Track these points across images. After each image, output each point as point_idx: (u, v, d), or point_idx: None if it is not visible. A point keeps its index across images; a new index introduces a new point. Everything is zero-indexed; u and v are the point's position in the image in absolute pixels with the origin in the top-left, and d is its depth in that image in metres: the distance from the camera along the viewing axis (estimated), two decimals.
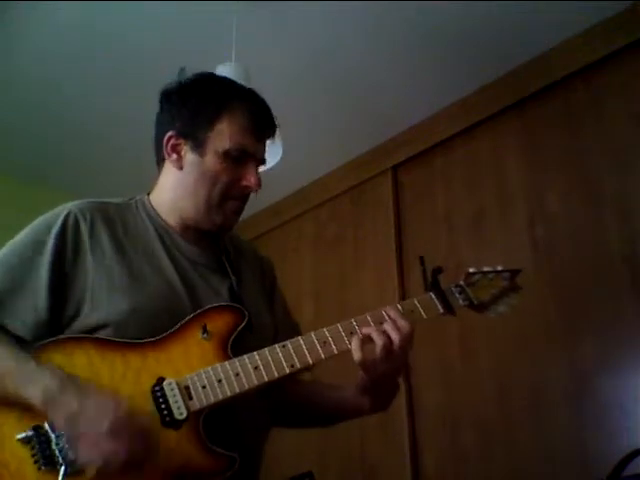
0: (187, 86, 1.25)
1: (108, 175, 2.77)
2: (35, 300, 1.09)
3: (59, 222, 1.14)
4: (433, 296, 1.24)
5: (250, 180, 1.21)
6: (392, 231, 2.55)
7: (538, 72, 2.19)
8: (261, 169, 1.27)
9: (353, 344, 1.12)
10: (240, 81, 1.35)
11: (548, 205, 2.10)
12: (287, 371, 1.10)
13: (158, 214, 1.24)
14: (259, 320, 1.22)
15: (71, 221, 1.15)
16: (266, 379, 1.09)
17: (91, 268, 1.12)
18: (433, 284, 1.27)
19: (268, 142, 1.27)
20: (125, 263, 1.15)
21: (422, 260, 1.30)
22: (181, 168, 1.22)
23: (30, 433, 0.99)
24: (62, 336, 1.09)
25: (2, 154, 2.71)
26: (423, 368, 2.25)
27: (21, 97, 2.42)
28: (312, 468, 1.22)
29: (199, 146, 1.20)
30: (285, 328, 1.32)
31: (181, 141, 1.22)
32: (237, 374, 1.08)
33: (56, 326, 1.10)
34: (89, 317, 1.10)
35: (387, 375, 1.16)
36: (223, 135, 1.20)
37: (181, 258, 1.22)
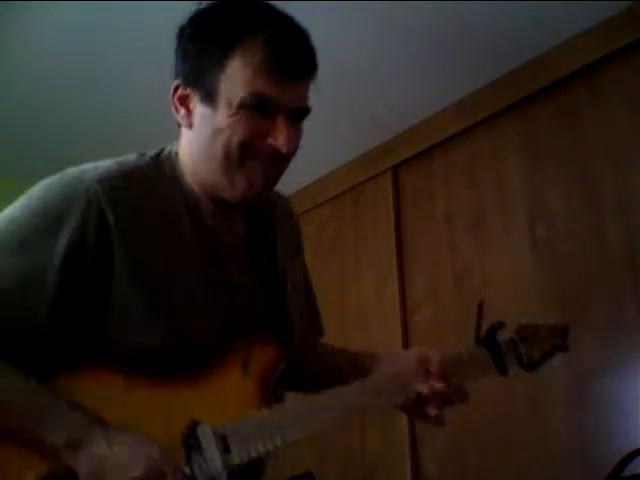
0: (198, 17, 0.98)
1: None
2: (35, 316, 0.89)
3: (78, 209, 0.91)
4: (487, 353, 1.11)
5: (276, 137, 0.94)
6: (392, 231, 2.55)
7: (538, 72, 2.19)
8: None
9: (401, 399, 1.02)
10: None
11: (548, 205, 2.10)
12: (331, 424, 0.98)
13: (186, 183, 1.01)
14: (303, 327, 1.09)
15: (94, 211, 0.91)
16: (311, 433, 0.95)
17: (117, 279, 0.92)
18: (488, 339, 1.12)
19: (307, 85, 0.98)
20: (155, 281, 0.94)
21: (481, 307, 1.12)
22: (191, 126, 0.98)
23: None
24: (85, 362, 0.91)
25: (2, 154, 2.71)
26: None
27: (21, 97, 2.42)
28: (312, 468, 1.22)
29: (209, 95, 0.94)
30: (308, 330, 1.18)
31: (189, 91, 0.97)
32: (280, 426, 0.92)
33: (61, 342, 0.91)
34: (111, 340, 0.92)
35: None
36: (236, 79, 0.92)
37: (216, 254, 1.01)
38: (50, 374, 0.89)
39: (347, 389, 0.99)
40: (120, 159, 1.02)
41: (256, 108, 0.93)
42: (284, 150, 0.95)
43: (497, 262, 2.18)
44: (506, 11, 2.00)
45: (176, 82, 0.99)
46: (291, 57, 0.94)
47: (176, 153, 1.04)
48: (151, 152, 1.06)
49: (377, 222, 2.64)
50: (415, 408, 1.08)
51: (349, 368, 1.18)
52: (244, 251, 1.07)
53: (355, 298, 2.61)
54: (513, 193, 2.21)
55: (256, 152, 0.95)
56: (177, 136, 1.06)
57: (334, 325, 2.59)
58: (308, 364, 1.16)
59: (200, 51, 0.96)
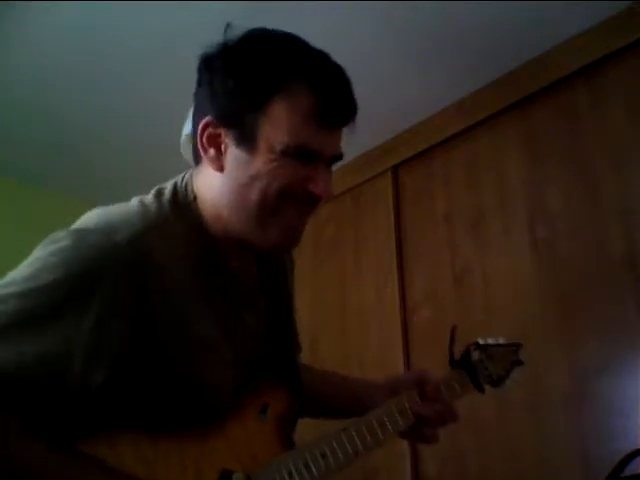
0: (232, 51, 0.90)
1: (109, 176, 2.77)
2: (61, 380, 0.79)
3: (110, 277, 0.81)
4: (464, 373, 1.20)
5: (318, 185, 0.90)
6: (392, 231, 2.55)
7: (538, 72, 2.19)
8: (335, 167, 0.97)
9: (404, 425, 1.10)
10: None
11: (548, 205, 2.10)
12: (352, 457, 1.05)
13: (206, 224, 0.93)
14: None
15: (127, 279, 0.82)
16: (334, 467, 1.01)
17: (154, 342, 0.84)
18: (464, 360, 1.21)
19: (345, 131, 0.95)
20: (177, 329, 0.87)
21: (453, 331, 1.20)
22: (222, 169, 0.90)
23: None
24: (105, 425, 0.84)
25: (1, 154, 2.71)
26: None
27: (20, 97, 2.42)
28: None
29: (246, 138, 0.87)
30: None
31: (221, 130, 0.89)
32: (306, 464, 0.97)
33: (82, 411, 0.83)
34: (140, 404, 0.86)
35: None
36: (280, 124, 0.86)
37: (233, 302, 0.97)
38: (71, 440, 0.83)
39: (359, 425, 1.06)
40: (141, 207, 0.91)
41: (299, 155, 0.88)
42: (326, 198, 0.92)
43: (497, 262, 2.18)
44: (506, 11, 2.00)
45: (206, 119, 0.90)
46: (338, 107, 0.91)
47: (194, 197, 0.95)
48: (167, 193, 0.95)
49: (377, 222, 2.64)
50: (414, 431, 1.16)
51: (332, 389, 1.26)
52: (257, 294, 1.04)
53: (355, 298, 2.61)
54: (513, 193, 2.21)
55: (295, 199, 0.91)
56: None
57: (334, 325, 2.62)
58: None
59: (239, 89, 0.87)
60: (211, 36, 0.95)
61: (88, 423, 0.83)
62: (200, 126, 0.90)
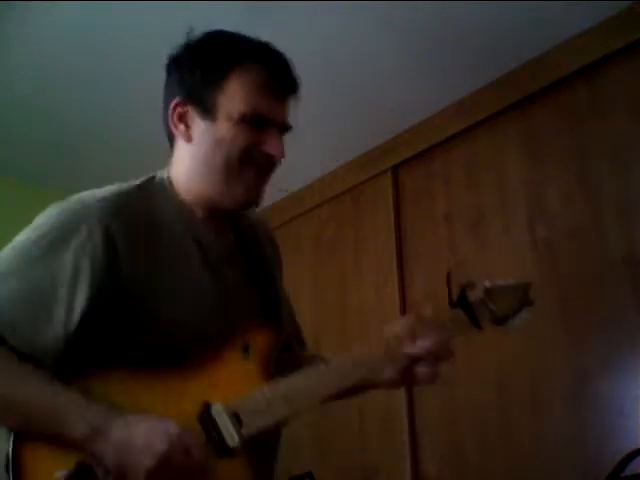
0: (193, 46, 1.12)
1: (109, 176, 2.77)
2: (63, 326, 0.95)
3: (84, 228, 0.98)
4: (462, 313, 1.23)
5: (272, 146, 1.07)
6: (392, 231, 2.55)
7: (538, 72, 2.19)
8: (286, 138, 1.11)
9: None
10: None
11: (548, 205, 2.10)
12: (335, 390, 1.06)
13: (179, 197, 1.10)
14: (289, 326, 1.19)
15: (99, 228, 0.98)
16: (315, 399, 1.04)
17: (130, 287, 0.99)
18: (460, 300, 1.25)
19: (290, 103, 1.12)
20: (155, 279, 1.01)
21: (449, 276, 1.30)
22: (190, 140, 1.08)
23: (72, 471, 0.87)
24: (95, 361, 0.96)
25: (1, 154, 2.71)
26: None
27: (20, 97, 2.42)
28: (312, 468, 1.22)
29: (209, 111, 1.06)
30: (291, 330, 1.26)
31: (188, 108, 1.08)
32: (285, 396, 1.01)
33: (75, 350, 0.96)
34: (121, 342, 0.98)
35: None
36: (235, 96, 1.05)
37: (214, 258, 1.09)
38: (65, 376, 0.94)
39: (343, 362, 1.09)
40: (115, 185, 1.09)
41: (253, 122, 1.05)
42: (280, 157, 1.08)
43: (497, 262, 2.18)
44: (506, 11, 2.00)
45: (175, 100, 1.09)
46: (284, 80, 1.09)
47: (168, 176, 1.13)
48: (143, 179, 1.13)
49: (377, 222, 2.64)
50: (410, 374, 1.15)
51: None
52: (236, 255, 1.16)
53: (355, 298, 2.61)
54: (513, 193, 2.21)
55: (253, 160, 1.07)
56: (166, 161, 1.14)
57: (334, 325, 2.62)
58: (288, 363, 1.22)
59: (200, 74, 1.07)
60: None
61: (78, 363, 0.95)
62: (171, 107, 1.09)
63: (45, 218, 1.02)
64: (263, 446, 1.06)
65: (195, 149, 1.08)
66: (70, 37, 2.15)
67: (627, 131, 1.96)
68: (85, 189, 1.08)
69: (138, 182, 1.12)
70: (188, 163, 1.10)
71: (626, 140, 1.96)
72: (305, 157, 2.65)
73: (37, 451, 0.90)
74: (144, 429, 0.89)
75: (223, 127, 1.05)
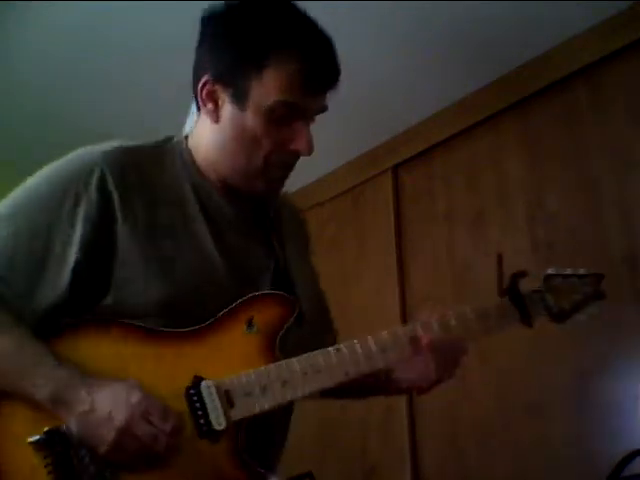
0: (233, 14, 1.00)
1: None
2: (55, 279, 0.92)
3: (82, 177, 0.96)
4: (510, 303, 1.08)
5: (301, 143, 1.00)
6: (392, 231, 2.55)
7: (538, 72, 2.19)
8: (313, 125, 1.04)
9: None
10: None
11: (548, 205, 2.10)
12: (340, 380, 0.97)
13: (196, 165, 1.04)
14: (311, 308, 1.08)
15: (96, 177, 0.95)
16: (316, 387, 0.95)
17: (122, 247, 0.94)
18: (511, 289, 1.09)
19: (329, 94, 1.04)
20: (159, 238, 0.97)
21: (500, 259, 1.10)
22: (217, 121, 1.01)
23: (43, 437, 0.84)
24: (88, 318, 0.93)
25: (1, 154, 2.71)
26: None
27: (20, 97, 2.42)
28: (312, 468, 1.22)
29: (240, 97, 0.97)
30: (318, 318, 1.18)
31: (218, 88, 0.99)
32: (284, 381, 0.93)
33: (73, 307, 0.94)
34: (118, 303, 0.94)
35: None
36: (269, 86, 0.96)
37: (222, 223, 1.03)
38: (58, 331, 0.92)
39: (352, 346, 0.99)
40: (124, 140, 1.05)
41: (284, 116, 0.98)
42: (308, 153, 1.01)
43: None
44: (506, 11, 2.00)
45: (205, 77, 1.00)
46: (324, 71, 1.00)
47: (186, 137, 1.07)
48: (160, 138, 1.09)
49: (377, 222, 2.64)
50: (414, 369, 1.07)
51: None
52: (251, 226, 1.08)
53: (355, 297, 2.61)
54: (513, 193, 2.21)
55: (279, 158, 1.01)
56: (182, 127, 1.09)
57: (334, 325, 2.61)
58: None
59: (236, 52, 0.98)
60: None
61: (70, 319, 0.93)
62: (200, 83, 1.00)
63: (50, 169, 1.01)
64: (265, 429, 0.99)
65: (220, 131, 1.01)
66: (70, 37, 2.15)
67: (627, 131, 1.96)
68: None
69: (154, 141, 1.07)
70: (211, 142, 1.03)
71: (626, 140, 1.95)
72: (305, 157, 2.65)
73: (15, 410, 0.88)
74: (106, 399, 0.85)
75: (252, 119, 0.97)
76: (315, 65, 0.98)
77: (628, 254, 1.88)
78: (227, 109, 0.99)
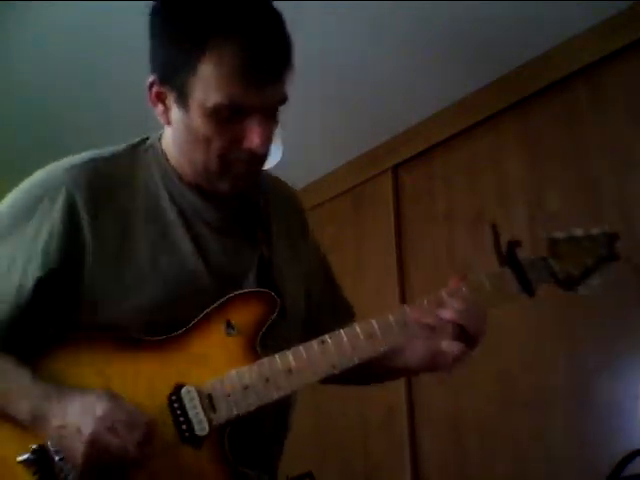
0: (167, 8, 0.91)
1: None
2: (16, 292, 0.91)
3: (50, 196, 0.93)
4: (509, 271, 0.99)
5: (251, 141, 0.89)
6: (392, 231, 2.55)
7: (538, 72, 2.19)
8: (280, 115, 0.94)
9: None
10: None
11: (548, 205, 2.10)
12: (325, 373, 0.92)
13: (171, 166, 0.99)
14: (295, 302, 1.04)
15: (63, 195, 0.93)
16: (301, 384, 0.92)
17: (91, 260, 0.92)
18: (509, 257, 1.00)
19: (284, 80, 0.92)
20: (132, 248, 0.94)
21: (495, 229, 1.01)
22: (169, 123, 0.95)
23: (30, 456, 0.84)
24: (69, 333, 0.91)
25: (1, 154, 2.71)
26: None
27: (20, 97, 2.42)
28: (312, 468, 1.22)
29: (181, 97, 0.90)
30: (329, 309, 1.14)
31: (165, 89, 0.92)
32: (267, 379, 0.90)
33: (36, 323, 0.92)
34: (91, 317, 0.92)
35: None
36: (207, 83, 0.87)
37: (201, 226, 0.98)
38: (33, 352, 0.91)
39: (337, 336, 0.94)
40: (95, 150, 1.02)
41: (230, 113, 0.88)
42: (260, 152, 0.91)
43: (497, 262, 2.18)
44: (506, 11, 2.00)
45: (151, 78, 0.92)
46: (266, 63, 0.88)
47: (159, 138, 1.02)
48: (135, 140, 1.05)
49: (377, 222, 2.64)
50: (427, 350, 1.02)
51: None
52: (233, 224, 1.03)
53: (355, 297, 2.59)
54: (513, 193, 2.21)
55: (235, 158, 0.92)
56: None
57: None
58: None
59: (172, 48, 0.90)
60: None
61: (46, 339, 0.91)
62: (148, 84, 0.93)
63: (18, 189, 0.99)
64: (259, 429, 0.96)
65: (175, 135, 0.96)
66: (70, 37, 2.14)
67: (627, 131, 1.96)
68: None
69: (125, 146, 1.03)
70: (172, 145, 0.99)
71: (626, 140, 1.95)
72: (305, 157, 2.65)
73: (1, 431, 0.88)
74: (75, 411, 0.84)
75: (197, 119, 0.89)
76: (255, 55, 0.86)
77: (628, 254, 1.87)
78: (175, 111, 0.92)
